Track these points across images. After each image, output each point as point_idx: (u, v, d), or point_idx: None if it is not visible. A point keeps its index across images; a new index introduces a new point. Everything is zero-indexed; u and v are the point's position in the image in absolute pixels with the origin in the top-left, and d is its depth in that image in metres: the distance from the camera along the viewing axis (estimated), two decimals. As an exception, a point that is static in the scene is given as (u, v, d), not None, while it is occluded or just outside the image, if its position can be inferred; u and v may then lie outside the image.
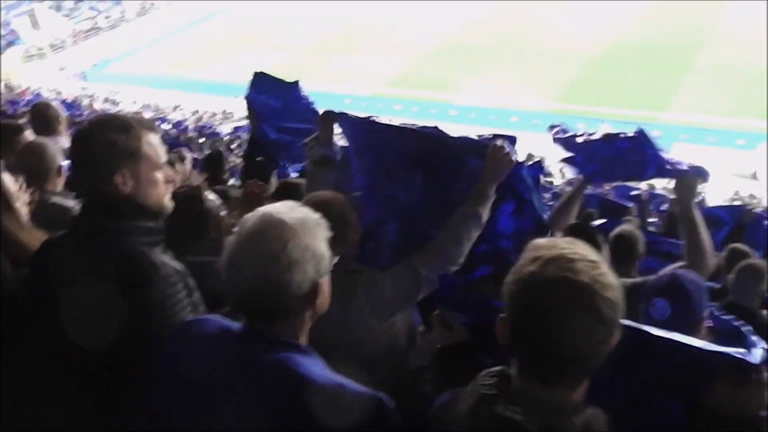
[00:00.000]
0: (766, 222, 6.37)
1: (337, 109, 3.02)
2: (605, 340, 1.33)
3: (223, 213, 2.87)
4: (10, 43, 42.45)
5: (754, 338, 1.91)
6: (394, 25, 39.36)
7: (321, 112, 3.19)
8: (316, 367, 1.54)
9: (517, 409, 1.32)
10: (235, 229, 1.60)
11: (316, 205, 1.79)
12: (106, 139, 1.88)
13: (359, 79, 32.65)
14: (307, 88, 4.97)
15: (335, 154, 3.02)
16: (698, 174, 2.99)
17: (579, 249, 1.38)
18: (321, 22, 41.50)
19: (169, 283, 1.85)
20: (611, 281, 1.34)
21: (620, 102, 27.15)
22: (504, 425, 1.31)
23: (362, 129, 2.92)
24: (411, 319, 2.52)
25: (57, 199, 3.18)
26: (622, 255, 3.63)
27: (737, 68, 28.80)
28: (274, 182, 4.67)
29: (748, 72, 28.31)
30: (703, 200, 6.59)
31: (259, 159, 4.89)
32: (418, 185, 2.78)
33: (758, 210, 8.59)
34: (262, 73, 4.99)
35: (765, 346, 1.81)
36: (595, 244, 3.21)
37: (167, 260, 1.92)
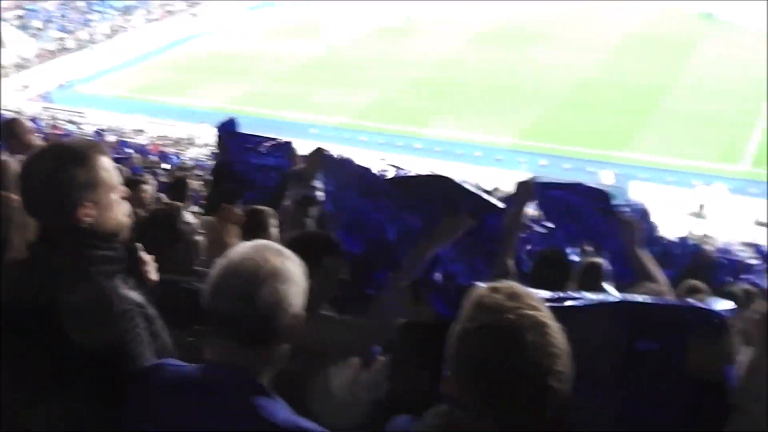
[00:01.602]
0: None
1: (309, 142, 3.02)
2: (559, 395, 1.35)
3: (198, 237, 2.87)
4: (-28, 62, 41.82)
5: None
6: (365, 58, 39.79)
7: (313, 149, 3.17)
8: (282, 412, 1.53)
9: None
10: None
11: (298, 244, 1.81)
12: (64, 174, 1.84)
13: (328, 110, 32.79)
14: (275, 116, 5.11)
15: (320, 192, 2.98)
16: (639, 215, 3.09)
17: (526, 307, 1.38)
18: (291, 52, 41.79)
19: (126, 318, 1.82)
20: (560, 345, 1.36)
21: (583, 141, 27.72)
22: None
23: (350, 171, 2.90)
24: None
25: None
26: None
27: (697, 114, 29.67)
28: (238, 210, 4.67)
29: (706, 117, 29.22)
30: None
31: (224, 186, 4.90)
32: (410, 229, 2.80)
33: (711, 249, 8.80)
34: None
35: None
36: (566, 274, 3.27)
37: (125, 292, 1.88)
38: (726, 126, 28.57)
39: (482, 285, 1.46)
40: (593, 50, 37.28)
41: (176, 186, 6.69)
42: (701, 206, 24.20)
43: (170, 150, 24.97)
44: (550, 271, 3.30)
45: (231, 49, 43.88)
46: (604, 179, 24.38)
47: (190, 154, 23.78)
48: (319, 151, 3.04)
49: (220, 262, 1.60)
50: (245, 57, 41.93)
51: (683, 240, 9.85)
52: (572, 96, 32.54)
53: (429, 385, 1.53)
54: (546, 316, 1.39)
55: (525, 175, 3.35)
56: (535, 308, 1.39)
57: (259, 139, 5.08)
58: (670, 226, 21.72)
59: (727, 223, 23.18)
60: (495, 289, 1.42)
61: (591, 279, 3.40)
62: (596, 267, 3.56)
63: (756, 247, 13.76)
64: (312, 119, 31.26)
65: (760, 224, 22.93)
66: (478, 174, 25.32)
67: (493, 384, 1.34)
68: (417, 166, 18.33)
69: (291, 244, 2.38)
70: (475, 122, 30.54)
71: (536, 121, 30.39)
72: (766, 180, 24.57)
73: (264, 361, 1.60)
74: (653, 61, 35.33)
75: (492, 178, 24.22)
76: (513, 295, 1.40)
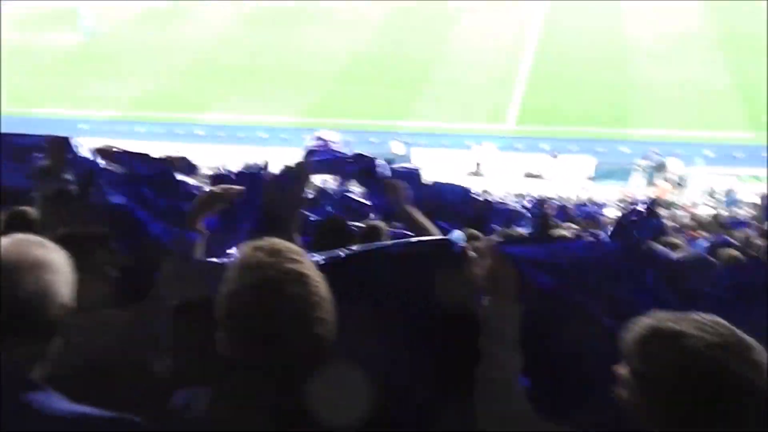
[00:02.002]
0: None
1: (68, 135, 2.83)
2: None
3: None
4: None
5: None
6: (132, 45, 37.65)
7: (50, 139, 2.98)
8: (56, 402, 1.46)
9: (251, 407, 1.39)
10: None
11: (64, 241, 1.71)
12: None
13: (97, 104, 30.70)
14: (36, 114, 4.65)
15: (73, 184, 2.79)
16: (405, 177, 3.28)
17: (286, 261, 1.45)
18: (47, 43, 38.51)
19: None
20: (321, 293, 1.45)
21: (364, 113, 28.53)
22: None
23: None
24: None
25: None
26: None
27: (465, 81, 31.63)
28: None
29: (473, 84, 31.27)
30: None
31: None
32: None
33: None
34: None
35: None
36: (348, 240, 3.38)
37: None
38: (491, 90, 30.75)
39: (245, 245, 1.50)
40: (361, 26, 38.13)
41: None
42: (477, 165, 25.98)
43: None
44: (332, 239, 3.38)
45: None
46: (394, 149, 25.31)
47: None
48: (54, 142, 2.84)
49: None
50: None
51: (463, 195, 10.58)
52: (349, 71, 33.22)
53: (210, 358, 1.52)
54: (307, 267, 1.47)
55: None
56: (295, 261, 1.46)
57: (11, 139, 4.63)
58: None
59: (500, 178, 25.18)
60: (257, 248, 1.47)
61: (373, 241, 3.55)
62: (376, 230, 3.71)
63: (525, 197, 15.07)
64: (80, 114, 29.15)
65: (529, 176, 25.20)
66: (266, 154, 25.34)
67: (261, 338, 1.40)
68: (201, 153, 17.78)
69: (58, 241, 2.22)
70: (258, 104, 30.18)
71: (318, 98, 30.73)
72: (529, 136, 27.03)
73: (33, 355, 1.51)
74: (420, 33, 36.94)
75: (281, 158, 24.23)
76: (273, 252, 1.46)
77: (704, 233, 10.48)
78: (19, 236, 1.58)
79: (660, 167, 25.00)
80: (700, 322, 1.37)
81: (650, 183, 24.86)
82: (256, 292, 1.40)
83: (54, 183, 2.79)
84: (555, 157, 25.63)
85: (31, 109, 28.98)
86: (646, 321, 1.44)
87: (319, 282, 1.45)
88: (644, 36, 33.86)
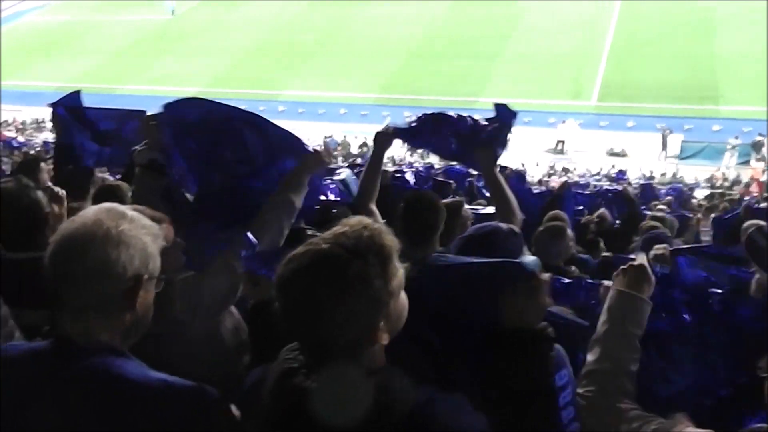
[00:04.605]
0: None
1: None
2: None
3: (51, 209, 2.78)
4: None
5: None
6: (206, 25, 38.41)
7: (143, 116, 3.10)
8: (135, 368, 1.46)
9: (315, 380, 1.35)
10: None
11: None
12: None
13: (178, 81, 31.47)
14: (124, 93, 4.81)
15: (165, 159, 2.86)
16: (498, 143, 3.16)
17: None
18: (130, 26, 39.65)
19: None
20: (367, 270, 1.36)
21: (440, 90, 28.22)
22: (304, 396, 1.34)
23: (186, 113, 2.82)
24: (237, 316, 2.44)
25: None
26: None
27: (541, 55, 30.82)
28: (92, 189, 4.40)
29: (550, 57, 30.44)
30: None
31: (70, 167, 4.59)
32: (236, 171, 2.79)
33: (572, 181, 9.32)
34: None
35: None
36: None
37: None
38: (570, 66, 29.85)
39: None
40: (430, 2, 37.54)
41: (26, 165, 6.28)
42: (559, 142, 25.40)
43: (15, 135, 23.24)
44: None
45: (64, 22, 41.03)
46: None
47: (40, 139, 22.26)
48: (148, 118, 2.90)
49: (60, 229, 1.49)
50: (79, 31, 39.37)
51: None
52: (422, 48, 32.87)
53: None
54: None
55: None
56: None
57: (104, 112, 4.78)
58: (535, 164, 22.84)
59: (582, 155, 24.58)
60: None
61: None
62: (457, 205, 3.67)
63: (609, 176, 14.67)
64: (163, 91, 29.97)
65: (611, 154, 24.47)
66: (347, 130, 25.76)
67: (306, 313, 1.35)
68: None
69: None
70: (334, 81, 30.41)
71: (394, 74, 30.61)
72: (612, 113, 26.18)
73: (112, 326, 1.49)
74: (492, 7, 36.07)
75: (360, 133, 24.64)
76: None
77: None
78: (103, 206, 1.56)
79: (755, 146, 23.67)
80: None
81: (743, 163, 23.67)
82: (316, 271, 1.34)
83: (148, 154, 2.85)
84: (671, 133, 24.61)
85: (114, 85, 30.14)
86: None
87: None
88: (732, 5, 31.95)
